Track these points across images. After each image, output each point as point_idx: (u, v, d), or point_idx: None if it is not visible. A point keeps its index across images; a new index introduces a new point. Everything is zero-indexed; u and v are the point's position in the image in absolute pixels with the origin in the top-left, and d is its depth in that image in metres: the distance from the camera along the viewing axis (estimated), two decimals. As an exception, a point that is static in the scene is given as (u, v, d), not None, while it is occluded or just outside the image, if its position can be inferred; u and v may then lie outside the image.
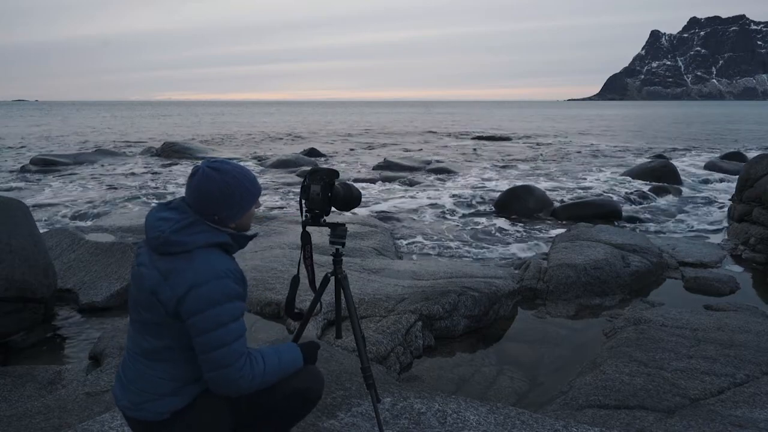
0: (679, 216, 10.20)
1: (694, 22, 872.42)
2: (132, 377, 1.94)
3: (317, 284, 2.46)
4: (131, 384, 1.94)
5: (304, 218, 2.36)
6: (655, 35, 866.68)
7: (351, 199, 2.45)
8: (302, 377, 2.08)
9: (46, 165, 17.87)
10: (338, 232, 2.43)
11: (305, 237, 2.38)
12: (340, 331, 2.68)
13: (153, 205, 1.96)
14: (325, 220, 2.38)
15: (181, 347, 1.88)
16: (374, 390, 2.44)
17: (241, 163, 2.12)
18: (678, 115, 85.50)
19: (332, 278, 2.49)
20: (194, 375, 1.92)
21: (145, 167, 18.45)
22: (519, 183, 13.24)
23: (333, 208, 2.37)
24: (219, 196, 1.91)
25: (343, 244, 2.47)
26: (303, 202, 2.34)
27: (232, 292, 1.84)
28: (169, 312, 1.82)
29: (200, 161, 1.97)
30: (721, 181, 14.63)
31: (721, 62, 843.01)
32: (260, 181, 15.55)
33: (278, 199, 12.49)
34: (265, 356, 1.93)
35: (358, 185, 12.92)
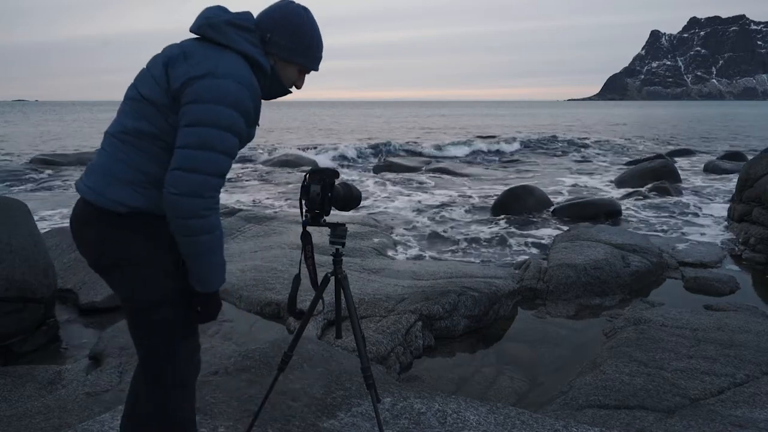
0: (679, 216, 10.20)
1: (694, 22, 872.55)
2: (102, 160, 1.81)
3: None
4: (98, 166, 1.81)
5: (304, 218, 2.35)
6: (655, 35, 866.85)
7: (351, 199, 2.44)
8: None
9: (46, 165, 17.87)
10: (338, 232, 2.42)
11: (306, 237, 2.37)
12: (340, 331, 2.68)
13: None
14: (325, 220, 2.37)
15: (162, 138, 1.75)
16: (374, 390, 2.44)
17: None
18: (678, 115, 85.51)
19: (332, 278, 2.49)
20: (162, 179, 1.74)
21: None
22: (519, 183, 13.24)
23: (333, 208, 2.37)
24: (288, 21, 1.86)
25: (343, 244, 2.46)
26: (303, 202, 2.34)
27: (242, 105, 1.72)
28: (172, 89, 1.71)
29: None
30: (721, 180, 14.63)
31: (721, 62, 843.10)
32: (259, 180, 15.30)
33: (278, 199, 12.49)
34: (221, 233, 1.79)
35: (357, 185, 12.92)
